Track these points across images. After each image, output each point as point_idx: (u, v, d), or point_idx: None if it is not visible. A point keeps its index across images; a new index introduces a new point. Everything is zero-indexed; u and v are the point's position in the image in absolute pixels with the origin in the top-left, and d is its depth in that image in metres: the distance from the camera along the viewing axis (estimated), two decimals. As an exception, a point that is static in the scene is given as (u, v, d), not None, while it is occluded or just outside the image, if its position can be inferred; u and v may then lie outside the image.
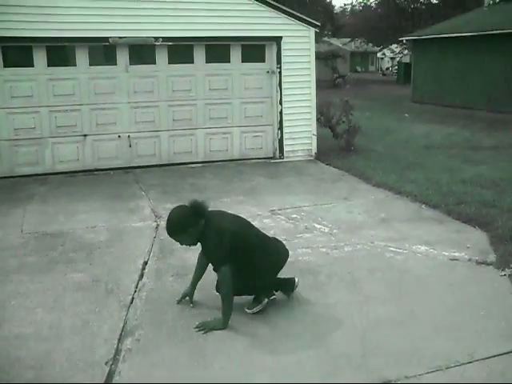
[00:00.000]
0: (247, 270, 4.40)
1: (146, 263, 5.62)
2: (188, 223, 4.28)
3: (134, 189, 8.77)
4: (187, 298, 4.71)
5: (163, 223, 6.84)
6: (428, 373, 3.66)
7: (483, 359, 3.81)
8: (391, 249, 5.94)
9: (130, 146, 10.11)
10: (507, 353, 3.89)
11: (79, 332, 4.25)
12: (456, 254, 5.75)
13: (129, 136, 10.09)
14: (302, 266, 5.46)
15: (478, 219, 6.79)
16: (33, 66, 9.39)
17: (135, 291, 4.96)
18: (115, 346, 4.03)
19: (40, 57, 9.39)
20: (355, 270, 5.41)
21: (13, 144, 9.46)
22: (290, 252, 5.74)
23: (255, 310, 4.56)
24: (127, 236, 6.49)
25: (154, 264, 5.60)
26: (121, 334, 4.20)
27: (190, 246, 4.51)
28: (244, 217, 6.97)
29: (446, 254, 5.78)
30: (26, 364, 3.82)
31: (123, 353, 3.95)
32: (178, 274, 5.31)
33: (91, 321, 4.42)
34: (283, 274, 4.72)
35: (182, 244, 4.49)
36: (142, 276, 5.30)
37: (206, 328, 4.26)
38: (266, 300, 4.59)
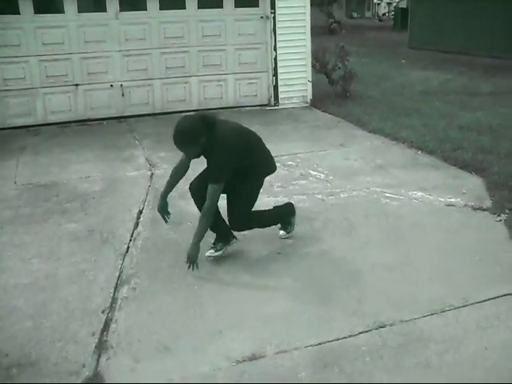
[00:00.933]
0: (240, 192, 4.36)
1: (140, 212, 5.60)
2: (197, 134, 4.08)
3: (128, 138, 8.67)
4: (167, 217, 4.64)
5: (158, 172, 6.84)
6: (423, 316, 3.68)
7: (478, 303, 3.84)
8: (387, 195, 5.92)
9: (123, 95, 9.96)
10: (501, 296, 3.92)
11: (75, 281, 4.25)
12: (452, 200, 5.74)
13: (121, 85, 9.92)
14: (297, 213, 5.44)
15: (475, 165, 6.75)
16: (19, 13, 9.11)
17: (130, 240, 4.95)
18: (111, 295, 4.04)
19: (26, 3, 9.10)
20: (351, 216, 5.40)
21: (3, 95, 9.28)
22: (285, 198, 5.77)
23: (221, 253, 4.55)
24: (122, 185, 6.45)
25: (149, 213, 5.57)
26: (117, 283, 4.21)
27: (192, 158, 4.34)
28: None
29: (442, 199, 5.77)
30: (24, 313, 3.83)
31: (119, 301, 3.97)
32: (173, 222, 5.27)
33: (87, 270, 4.42)
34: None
35: (186, 156, 4.33)
36: (137, 225, 5.29)
37: (192, 261, 4.22)
38: (234, 240, 4.59)
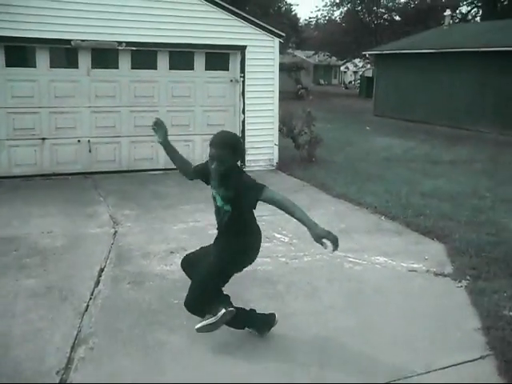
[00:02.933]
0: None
1: (102, 270, 5.49)
2: (238, 146, 3.94)
3: (93, 194, 8.60)
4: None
5: (121, 230, 6.77)
6: (386, 383, 3.65)
7: (440, 369, 3.84)
8: (350, 259, 5.96)
9: (90, 151, 9.94)
10: (463, 363, 3.92)
11: (30, 340, 4.11)
12: (414, 266, 5.80)
13: (89, 141, 9.91)
14: (261, 276, 5.42)
15: (436, 231, 6.88)
16: (-11, 66, 9.16)
17: (90, 298, 4.84)
18: (67, 355, 3.91)
19: (-3, 57, 9.16)
20: (314, 279, 5.39)
21: (-33, 146, 9.19)
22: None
23: (209, 321, 3.97)
24: (84, 242, 6.34)
25: (111, 271, 5.48)
26: (74, 342, 4.08)
27: (222, 171, 3.85)
28: (203, 224, 6.95)
29: (405, 265, 5.83)
30: (-27, 373, 3.67)
31: (76, 362, 3.84)
32: (134, 282, 5.21)
33: (43, 329, 4.28)
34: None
35: (218, 164, 3.82)
36: (98, 283, 5.18)
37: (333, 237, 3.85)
38: (223, 311, 3.97)
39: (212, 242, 4.27)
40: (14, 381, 3.59)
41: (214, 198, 4.07)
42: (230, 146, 3.85)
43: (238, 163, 4.02)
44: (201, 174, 4.25)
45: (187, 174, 4.46)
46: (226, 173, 3.87)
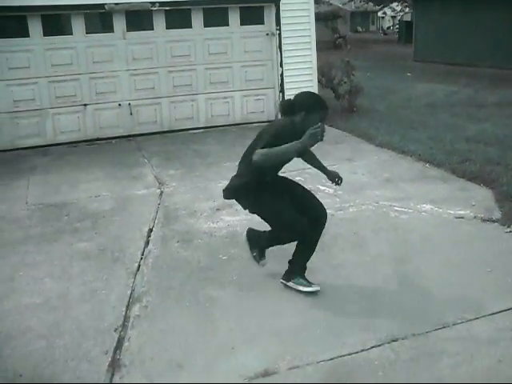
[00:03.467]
0: None
1: (151, 230, 5.63)
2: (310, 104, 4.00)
3: (137, 156, 8.74)
4: None
5: (167, 190, 6.89)
6: (435, 330, 3.68)
7: (490, 315, 3.83)
8: (396, 208, 5.93)
9: (131, 114, 10.05)
10: (513, 308, 3.91)
11: (87, 300, 4.28)
12: (461, 212, 5.74)
13: (129, 104, 10.01)
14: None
15: (483, 177, 6.75)
16: (28, 36, 9.25)
17: (141, 258, 4.98)
18: (123, 313, 4.06)
19: (35, 26, 9.24)
20: (360, 230, 5.41)
21: (13, 116, 9.39)
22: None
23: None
24: (131, 204, 6.49)
25: (159, 231, 5.61)
26: (129, 301, 4.23)
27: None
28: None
29: (452, 212, 5.77)
30: (37, 333, 3.85)
31: (132, 319, 3.98)
32: (183, 240, 5.32)
33: (99, 289, 4.44)
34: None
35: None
36: (147, 243, 5.31)
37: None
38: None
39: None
40: (81, 339, 3.76)
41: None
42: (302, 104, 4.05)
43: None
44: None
45: None
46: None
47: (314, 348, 3.54)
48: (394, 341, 3.57)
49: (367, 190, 6.58)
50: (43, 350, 3.66)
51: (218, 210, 6.10)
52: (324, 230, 5.38)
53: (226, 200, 4.56)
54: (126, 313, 4.07)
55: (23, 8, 8.90)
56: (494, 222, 5.47)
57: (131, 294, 4.35)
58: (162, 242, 5.34)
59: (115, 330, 3.85)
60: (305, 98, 4.12)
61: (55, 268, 4.86)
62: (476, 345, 3.51)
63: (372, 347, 3.52)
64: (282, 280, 4.34)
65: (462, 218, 5.62)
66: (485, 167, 7.06)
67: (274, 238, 4.41)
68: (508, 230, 5.26)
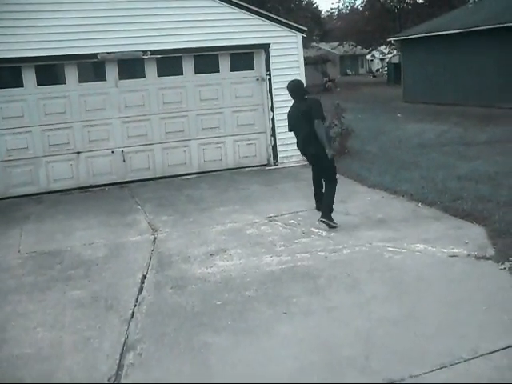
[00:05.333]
0: None
1: (144, 277, 5.60)
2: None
3: (130, 203, 8.75)
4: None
5: (161, 236, 6.88)
6: (433, 371, 3.64)
7: (487, 354, 3.79)
8: (390, 249, 5.93)
9: (124, 161, 10.11)
10: (511, 346, 3.87)
11: (80, 349, 4.22)
12: (455, 251, 5.74)
13: (122, 151, 10.08)
14: (301, 271, 5.45)
15: (475, 214, 6.78)
16: (22, 86, 9.40)
17: (135, 305, 4.93)
18: (117, 362, 4.00)
19: (29, 76, 9.40)
20: (355, 271, 5.39)
21: (6, 165, 9.45)
22: (288, 257, 5.79)
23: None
24: (125, 251, 6.47)
25: (153, 277, 5.57)
26: (122, 349, 4.17)
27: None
28: (241, 225, 7.02)
29: (445, 250, 5.77)
30: (29, 384, 3.79)
31: (126, 368, 3.93)
32: (177, 286, 5.29)
33: (92, 337, 4.39)
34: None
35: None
36: (141, 290, 5.28)
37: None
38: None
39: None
40: (68, 390, 3.70)
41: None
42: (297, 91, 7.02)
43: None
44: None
45: None
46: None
47: (311, 393, 3.49)
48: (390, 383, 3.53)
49: (360, 231, 6.59)
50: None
51: (211, 255, 6.09)
52: (318, 272, 5.40)
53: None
54: (119, 361, 4.01)
55: (18, 59, 9.08)
56: (487, 259, 5.47)
57: (125, 341, 4.30)
58: (155, 288, 5.31)
59: (109, 379, 3.79)
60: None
61: (48, 317, 4.81)
62: (474, 385, 3.47)
63: (369, 391, 3.48)
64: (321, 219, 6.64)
65: (455, 256, 5.62)
66: (477, 205, 7.10)
67: (329, 192, 6.90)
68: (502, 266, 5.25)
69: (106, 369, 3.92)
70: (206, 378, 3.75)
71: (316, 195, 7.26)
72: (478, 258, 5.52)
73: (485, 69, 19.81)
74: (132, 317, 4.71)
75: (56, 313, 4.89)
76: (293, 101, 6.96)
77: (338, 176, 9.56)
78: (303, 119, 6.62)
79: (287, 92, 10.54)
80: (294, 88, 6.89)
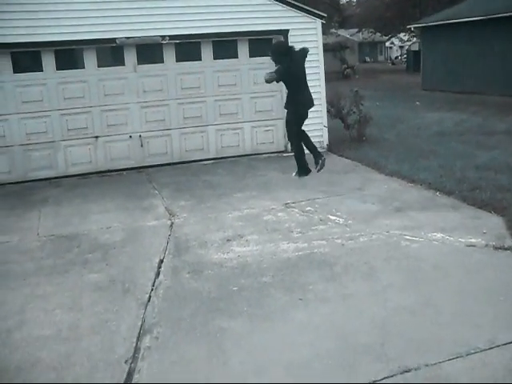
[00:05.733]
0: None
1: (161, 261, 5.63)
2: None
3: (148, 188, 8.79)
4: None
5: (177, 221, 6.91)
6: (448, 360, 3.63)
7: (504, 344, 3.78)
8: (407, 237, 5.91)
9: (142, 146, 10.14)
10: (528, 337, 3.86)
11: (98, 332, 4.27)
12: (472, 240, 5.70)
13: (140, 136, 10.11)
14: (317, 258, 5.45)
15: (494, 204, 6.73)
16: (42, 70, 9.45)
17: (152, 289, 4.97)
18: (134, 345, 4.04)
19: (49, 61, 9.44)
20: (371, 259, 5.38)
21: (26, 149, 9.52)
22: (305, 244, 5.79)
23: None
24: (142, 235, 6.51)
25: (170, 262, 5.61)
26: (139, 333, 4.22)
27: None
28: (258, 211, 7.03)
29: (463, 240, 5.74)
30: (48, 365, 3.85)
31: (142, 351, 3.97)
32: (194, 271, 5.32)
33: (109, 320, 4.44)
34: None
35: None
36: (158, 274, 5.32)
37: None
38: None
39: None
40: (92, 371, 3.75)
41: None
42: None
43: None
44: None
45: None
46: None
47: (326, 379, 3.51)
48: (406, 371, 3.53)
49: (377, 220, 6.56)
50: (53, 382, 3.64)
51: (228, 240, 6.11)
52: (334, 259, 5.39)
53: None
54: (136, 344, 4.05)
55: (37, 44, 9.12)
56: (505, 249, 5.42)
57: (142, 325, 4.34)
58: (172, 273, 5.34)
59: (126, 361, 3.83)
60: None
61: (66, 299, 4.87)
62: (491, 375, 3.46)
63: (384, 378, 3.48)
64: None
65: (473, 246, 5.58)
66: (495, 195, 7.03)
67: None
68: (520, 257, 5.21)
69: (123, 351, 3.96)
70: (222, 363, 3.78)
71: (304, 158, 7.50)
72: (495, 248, 5.48)
73: (505, 57, 19.51)
74: (149, 301, 4.75)
75: (74, 295, 4.94)
76: None
77: (355, 163, 9.69)
78: (304, 72, 7.18)
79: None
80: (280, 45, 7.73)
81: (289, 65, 6.94)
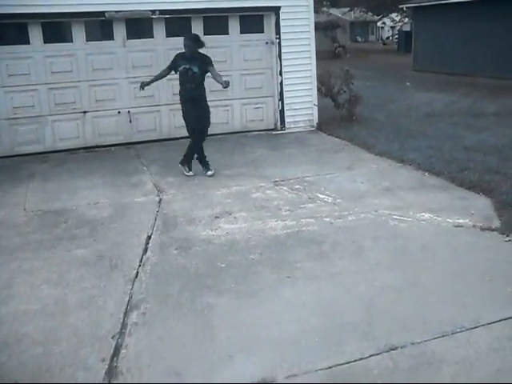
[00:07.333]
0: None
1: (149, 237, 5.61)
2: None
3: (136, 164, 8.73)
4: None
5: (166, 197, 6.88)
6: (434, 338, 3.66)
7: (489, 324, 3.81)
8: (395, 217, 5.92)
9: (131, 122, 10.05)
10: (513, 317, 3.89)
11: (85, 307, 4.26)
12: (460, 221, 5.73)
13: (129, 111, 10.02)
14: (305, 236, 5.46)
15: (482, 185, 6.75)
16: (29, 43, 9.28)
17: (139, 265, 4.96)
18: (121, 320, 4.04)
19: (36, 33, 9.26)
20: (359, 238, 5.39)
21: (12, 123, 9.40)
22: (293, 222, 5.79)
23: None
24: (130, 211, 6.47)
25: (158, 238, 5.59)
26: (126, 308, 4.21)
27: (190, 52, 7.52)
28: (246, 188, 7.01)
29: (451, 220, 5.76)
30: (34, 340, 3.83)
31: (129, 326, 3.96)
32: (181, 248, 5.31)
33: (96, 296, 4.42)
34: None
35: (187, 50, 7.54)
36: (146, 250, 5.30)
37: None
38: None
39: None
40: (78, 346, 3.74)
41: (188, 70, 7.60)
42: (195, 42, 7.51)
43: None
44: (173, 66, 7.77)
45: (164, 75, 8.11)
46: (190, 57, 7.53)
47: (312, 356, 3.53)
48: (392, 349, 3.56)
49: (366, 199, 6.57)
50: (40, 357, 3.64)
51: (216, 217, 6.09)
52: (323, 237, 5.40)
53: None
54: (123, 320, 4.05)
55: (24, 15, 8.93)
56: (493, 230, 5.46)
57: (129, 300, 4.33)
58: (160, 249, 5.33)
59: (112, 337, 3.83)
60: None
61: (53, 274, 4.85)
62: (475, 354, 3.50)
63: (370, 356, 3.50)
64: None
65: (461, 226, 5.61)
66: (484, 176, 7.06)
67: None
68: (507, 238, 5.25)
69: (109, 327, 3.96)
70: (209, 339, 3.78)
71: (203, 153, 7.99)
72: (483, 229, 5.51)
73: (496, 40, 19.49)
74: (136, 277, 4.74)
75: (61, 271, 4.92)
76: None
77: (345, 142, 9.68)
78: (200, 68, 7.70)
79: (295, 57, 10.62)
80: (195, 38, 7.70)
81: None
